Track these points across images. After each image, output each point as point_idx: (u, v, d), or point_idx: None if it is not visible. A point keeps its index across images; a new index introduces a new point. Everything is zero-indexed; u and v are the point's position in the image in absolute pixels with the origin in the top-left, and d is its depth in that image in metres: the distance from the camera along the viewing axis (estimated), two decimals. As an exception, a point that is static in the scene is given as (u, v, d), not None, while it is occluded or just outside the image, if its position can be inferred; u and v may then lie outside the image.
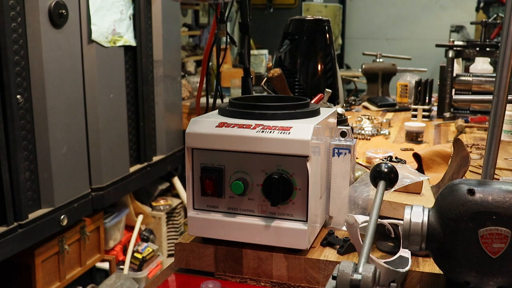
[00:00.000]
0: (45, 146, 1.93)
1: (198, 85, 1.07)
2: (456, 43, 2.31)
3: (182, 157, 2.99)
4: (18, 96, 1.80)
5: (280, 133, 0.76)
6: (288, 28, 1.38)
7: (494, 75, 1.16)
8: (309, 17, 1.38)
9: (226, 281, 0.83)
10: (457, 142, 1.07)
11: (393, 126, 1.93)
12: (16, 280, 2.03)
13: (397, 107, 2.30)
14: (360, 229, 0.72)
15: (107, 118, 2.30)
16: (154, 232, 2.92)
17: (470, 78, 2.02)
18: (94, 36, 2.16)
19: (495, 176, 0.99)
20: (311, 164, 0.76)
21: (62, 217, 2.02)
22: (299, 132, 0.76)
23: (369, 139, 1.69)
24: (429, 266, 0.76)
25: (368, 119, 1.94)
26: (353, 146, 0.87)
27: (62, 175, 2.01)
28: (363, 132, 1.72)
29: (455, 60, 2.06)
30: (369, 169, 1.00)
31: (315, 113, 0.85)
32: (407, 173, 0.92)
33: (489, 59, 2.34)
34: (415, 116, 2.05)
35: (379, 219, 0.68)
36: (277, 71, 1.17)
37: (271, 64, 3.73)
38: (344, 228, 0.88)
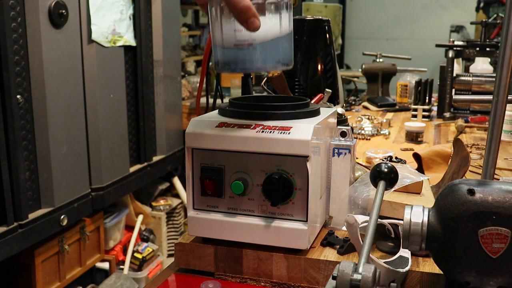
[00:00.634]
0: (45, 146, 1.93)
1: (198, 85, 1.07)
2: (456, 43, 2.31)
3: (182, 157, 2.99)
4: (18, 96, 1.80)
5: (280, 133, 0.76)
6: (288, 28, 1.38)
7: (494, 75, 1.16)
8: (309, 17, 1.38)
9: (226, 281, 0.83)
10: (457, 142, 1.07)
11: (393, 126, 1.93)
12: (16, 280, 2.03)
13: (397, 107, 2.30)
14: (360, 229, 0.72)
15: (107, 118, 2.30)
16: (154, 232, 2.92)
17: (470, 78, 2.02)
18: (94, 36, 2.16)
19: (495, 176, 0.99)
20: (311, 164, 0.76)
21: (62, 217, 2.02)
22: (299, 132, 0.76)
23: (369, 139, 1.69)
24: (429, 266, 0.76)
25: (368, 119, 1.94)
26: (353, 146, 0.87)
27: (62, 175, 2.01)
28: (363, 132, 1.72)
29: (455, 60, 2.06)
30: (369, 169, 1.00)
31: (315, 113, 0.85)
32: (407, 173, 0.92)
33: (489, 59, 2.34)
34: (415, 116, 2.05)
35: (379, 219, 0.68)
36: (277, 71, 1.17)
37: (271, 64, 3.72)
38: (344, 228, 0.88)
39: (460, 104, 2.07)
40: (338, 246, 0.82)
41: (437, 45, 2.21)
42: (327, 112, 0.89)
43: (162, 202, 3.04)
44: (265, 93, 1.26)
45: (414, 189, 0.91)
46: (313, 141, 0.76)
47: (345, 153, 0.87)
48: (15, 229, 1.81)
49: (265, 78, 1.20)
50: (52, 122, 1.93)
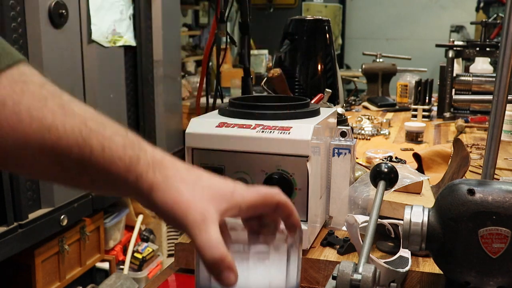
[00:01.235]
0: (45, 146, 1.92)
1: (198, 85, 1.07)
2: (456, 43, 2.31)
3: (182, 157, 2.97)
4: (18, 96, 1.79)
5: (280, 133, 0.76)
6: (288, 28, 1.38)
7: (494, 75, 1.16)
8: (309, 17, 1.38)
9: (226, 281, 0.83)
10: (457, 142, 1.07)
11: (393, 126, 1.93)
12: (16, 280, 2.03)
13: (397, 107, 2.30)
14: (360, 229, 0.72)
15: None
16: (154, 232, 2.92)
17: (470, 78, 2.02)
18: (94, 36, 2.16)
19: (495, 176, 0.99)
20: (311, 164, 0.76)
21: (62, 217, 2.02)
22: (299, 132, 0.76)
23: (369, 139, 1.69)
24: (429, 266, 0.76)
25: (368, 119, 1.94)
26: (353, 146, 0.87)
27: (62, 175, 2.01)
28: (363, 132, 1.72)
29: (455, 60, 2.06)
30: (369, 169, 1.00)
31: (315, 113, 0.85)
32: (407, 173, 0.92)
33: (489, 59, 2.34)
34: (415, 116, 2.05)
35: (379, 219, 0.68)
36: (277, 71, 1.17)
37: (271, 64, 3.73)
38: (344, 228, 0.88)
39: (460, 104, 2.07)
40: (338, 246, 0.82)
41: (437, 45, 2.21)
42: (327, 112, 0.89)
43: (162, 202, 3.04)
44: (265, 93, 1.26)
45: (414, 189, 0.91)
46: (313, 141, 0.76)
47: (345, 153, 0.87)
48: (15, 229, 1.81)
49: (265, 78, 1.20)
50: (52, 122, 1.93)
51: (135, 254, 2.67)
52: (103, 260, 2.47)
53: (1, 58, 0.50)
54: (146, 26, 2.59)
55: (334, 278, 0.52)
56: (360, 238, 0.71)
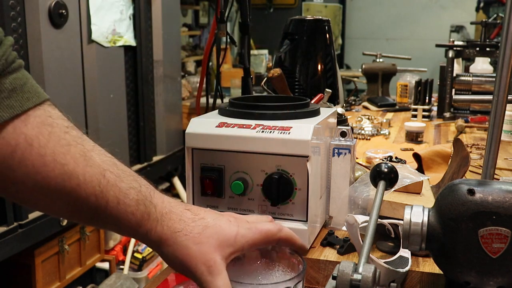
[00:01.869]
0: (45, 146, 1.93)
1: (198, 85, 1.07)
2: (456, 43, 2.31)
3: (182, 157, 2.99)
4: (18, 96, 1.80)
5: (280, 133, 0.76)
6: (288, 28, 1.38)
7: (494, 75, 1.16)
8: (309, 17, 1.38)
9: (226, 281, 0.83)
10: (457, 142, 1.07)
11: (393, 126, 1.93)
12: (16, 280, 2.03)
13: (397, 107, 2.30)
14: (360, 229, 0.72)
15: (107, 118, 2.30)
16: (154, 232, 2.91)
17: (470, 78, 2.02)
18: (94, 36, 2.16)
19: (495, 176, 0.99)
20: (311, 164, 0.76)
21: (62, 217, 2.02)
22: (299, 132, 0.76)
23: (369, 139, 1.69)
24: (429, 266, 0.76)
25: (368, 119, 1.94)
26: (353, 146, 0.87)
27: (62, 175, 2.01)
28: (363, 132, 1.72)
29: (455, 60, 2.06)
30: (369, 169, 1.00)
31: (315, 113, 0.85)
32: (407, 173, 0.92)
33: (489, 59, 2.34)
34: (415, 116, 2.05)
35: (379, 219, 0.68)
36: (277, 71, 1.17)
37: (271, 64, 3.73)
38: (344, 228, 0.88)
39: (460, 104, 2.07)
40: (338, 246, 0.82)
41: (437, 45, 2.21)
42: (327, 112, 0.89)
43: (162, 202, 3.04)
44: (265, 93, 1.26)
45: (414, 189, 0.91)
46: (313, 141, 0.76)
47: (345, 153, 0.87)
48: (15, 229, 1.81)
49: (265, 78, 1.20)
50: (52, 122, 1.93)
51: (135, 254, 2.67)
52: (103, 260, 2.47)
53: (31, 97, 0.54)
54: (146, 26, 2.59)
55: (334, 278, 0.52)
56: (360, 238, 0.71)
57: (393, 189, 0.76)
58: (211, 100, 1.36)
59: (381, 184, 0.71)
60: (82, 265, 2.29)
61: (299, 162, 0.76)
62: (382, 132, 1.76)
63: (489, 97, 1.88)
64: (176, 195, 3.19)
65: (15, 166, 0.52)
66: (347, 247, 0.81)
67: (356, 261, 0.54)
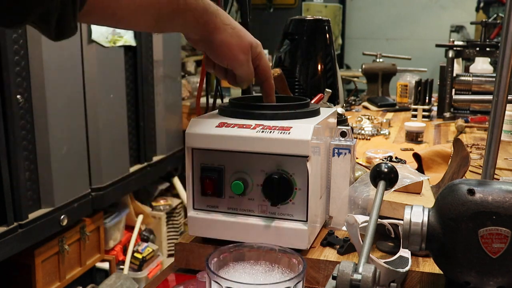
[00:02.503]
0: (45, 146, 1.93)
1: (198, 85, 1.07)
2: (456, 43, 2.31)
3: (182, 157, 2.99)
4: (18, 96, 1.80)
5: (280, 133, 0.76)
6: (288, 28, 1.38)
7: (494, 75, 1.16)
8: (309, 17, 1.38)
9: (226, 281, 0.83)
10: (457, 142, 1.07)
11: (393, 126, 1.93)
12: (16, 280, 2.03)
13: (397, 107, 2.30)
14: (360, 229, 0.72)
15: (107, 118, 2.30)
16: (154, 232, 2.92)
17: (470, 78, 2.02)
18: (94, 36, 2.16)
19: (495, 176, 0.99)
20: (311, 164, 0.76)
21: (62, 217, 2.02)
22: (299, 132, 0.76)
23: (369, 139, 1.69)
24: (429, 266, 0.76)
25: (368, 119, 1.94)
26: (353, 146, 0.87)
27: (62, 175, 2.01)
28: (363, 132, 1.72)
29: (455, 60, 2.06)
30: (369, 169, 1.00)
31: (315, 113, 0.85)
32: (407, 173, 0.92)
33: (489, 59, 2.34)
34: (415, 116, 2.05)
35: (379, 219, 0.68)
36: (277, 71, 1.17)
37: (271, 64, 3.72)
38: (344, 228, 0.88)
39: (460, 104, 2.07)
40: (338, 246, 0.82)
41: (437, 45, 2.21)
42: (327, 112, 0.89)
43: (162, 202, 3.04)
44: (265, 93, 1.25)
45: (414, 189, 0.91)
46: (313, 141, 0.76)
47: (345, 153, 0.87)
48: (15, 229, 1.81)
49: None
50: (52, 122, 1.93)
51: (135, 254, 2.67)
52: (103, 260, 2.47)
53: None
54: (146, 26, 2.59)
55: (334, 278, 0.52)
56: (360, 238, 0.71)
57: (393, 189, 0.76)
58: (211, 100, 1.36)
59: (381, 184, 0.71)
60: (82, 265, 2.29)
61: (299, 162, 0.76)
62: (382, 132, 1.76)
63: (489, 97, 1.88)
64: (176, 195, 3.19)
65: None
66: (347, 247, 0.81)
67: (356, 261, 0.54)
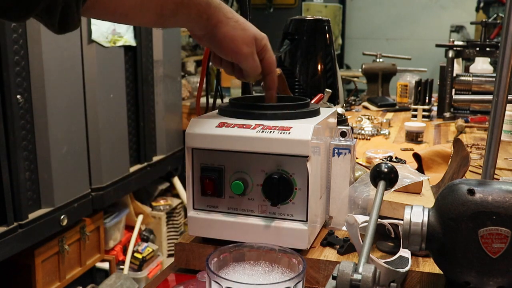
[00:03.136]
0: (45, 146, 1.93)
1: (198, 85, 1.07)
2: (456, 43, 2.30)
3: (182, 157, 2.99)
4: (18, 96, 1.80)
5: (280, 133, 0.76)
6: (288, 28, 1.38)
7: (494, 75, 1.16)
8: (309, 17, 1.38)
9: (226, 281, 0.83)
10: (457, 142, 1.07)
11: (393, 126, 1.93)
12: (16, 280, 2.03)
13: (397, 107, 2.30)
14: (360, 229, 0.72)
15: (107, 118, 2.30)
16: (154, 232, 2.92)
17: (470, 78, 2.02)
18: (94, 36, 2.16)
19: (495, 176, 0.99)
20: (311, 164, 0.76)
21: (62, 217, 2.02)
22: (299, 132, 0.76)
23: (369, 139, 1.69)
24: (429, 266, 0.76)
25: (368, 119, 1.94)
26: (353, 146, 0.87)
27: (62, 175, 2.01)
28: (363, 132, 1.72)
29: (455, 60, 2.06)
30: (369, 169, 1.00)
31: (315, 113, 0.85)
32: (407, 173, 0.92)
33: (489, 59, 2.34)
34: (415, 116, 2.05)
35: (379, 219, 0.68)
36: (277, 71, 1.17)
37: (271, 64, 3.71)
38: (344, 228, 0.88)
39: (460, 104, 2.07)
40: (338, 246, 0.82)
41: (437, 45, 2.21)
42: (327, 112, 0.89)
43: (162, 202, 3.04)
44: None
45: (414, 189, 0.91)
46: (313, 141, 0.76)
47: (345, 153, 0.87)
48: (15, 229, 1.82)
49: (265, 78, 1.20)
50: (52, 122, 1.93)
51: (135, 254, 2.67)
52: (103, 260, 2.47)
53: None
54: (146, 26, 2.59)
55: (334, 278, 0.52)
56: (360, 238, 0.71)
57: (393, 189, 0.76)
58: (211, 100, 1.36)
59: (381, 184, 0.71)
60: (82, 265, 2.29)
61: (299, 162, 0.76)
62: (382, 132, 1.76)
63: (489, 97, 1.88)
64: (176, 195, 3.19)
65: None
66: (347, 247, 0.81)
67: (356, 261, 0.54)
